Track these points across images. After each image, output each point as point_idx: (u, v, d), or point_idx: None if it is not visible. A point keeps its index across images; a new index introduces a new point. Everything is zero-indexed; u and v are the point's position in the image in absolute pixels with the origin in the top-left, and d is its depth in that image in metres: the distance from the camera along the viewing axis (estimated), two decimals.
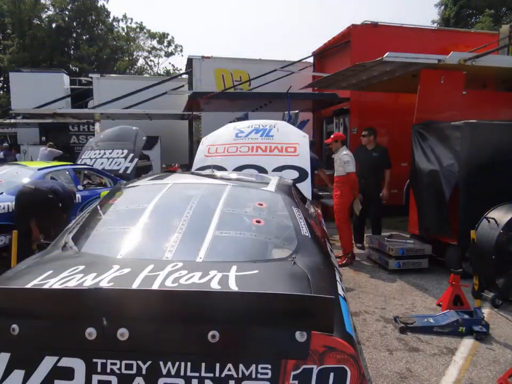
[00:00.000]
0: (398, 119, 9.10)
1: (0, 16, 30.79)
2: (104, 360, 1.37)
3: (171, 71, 39.18)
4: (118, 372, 1.36)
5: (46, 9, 33.59)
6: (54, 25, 33.07)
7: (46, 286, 1.63)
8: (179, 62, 64.87)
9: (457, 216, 5.27)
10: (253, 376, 1.35)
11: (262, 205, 2.66)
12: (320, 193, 8.44)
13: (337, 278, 2.12)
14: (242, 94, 10.98)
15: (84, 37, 34.99)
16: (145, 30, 40.08)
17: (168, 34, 40.33)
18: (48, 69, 21.89)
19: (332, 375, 1.36)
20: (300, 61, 11.33)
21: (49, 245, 2.39)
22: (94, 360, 1.37)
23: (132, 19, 39.25)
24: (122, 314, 1.37)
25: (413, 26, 9.92)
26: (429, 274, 5.57)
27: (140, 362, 1.36)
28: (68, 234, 2.39)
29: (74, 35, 35.14)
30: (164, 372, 1.36)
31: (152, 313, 1.37)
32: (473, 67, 5.98)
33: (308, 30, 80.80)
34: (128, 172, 8.23)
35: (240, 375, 1.35)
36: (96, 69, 31.25)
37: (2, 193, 5.42)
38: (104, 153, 8.63)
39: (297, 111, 9.64)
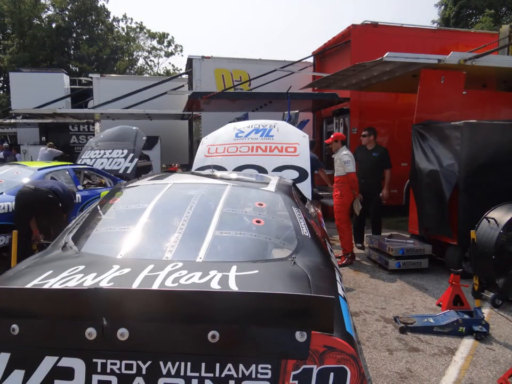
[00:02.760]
0: (398, 119, 9.12)
1: (0, 16, 30.79)
2: (104, 360, 1.36)
3: (171, 71, 39.26)
4: (118, 372, 1.36)
5: (46, 9, 33.63)
6: (54, 25, 33.09)
7: (46, 286, 1.63)
8: (179, 62, 65.08)
9: (457, 216, 5.27)
10: (253, 376, 1.35)
11: (262, 205, 2.66)
12: (320, 193, 8.46)
13: (337, 278, 2.12)
14: (242, 94, 10.96)
15: (84, 37, 35.01)
16: (145, 30, 40.21)
17: (168, 34, 40.54)
18: (48, 69, 21.89)
19: (331, 375, 1.36)
20: (299, 61, 11.34)
21: (49, 245, 2.38)
22: (94, 360, 1.37)
23: (131, 19, 39.46)
24: (122, 314, 1.37)
25: (413, 26, 9.91)
26: (429, 274, 5.57)
27: (140, 362, 1.36)
28: (68, 234, 2.38)
29: (74, 35, 35.18)
30: (164, 372, 1.36)
31: (152, 313, 1.37)
32: (473, 67, 5.97)
33: (307, 30, 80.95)
34: (128, 172, 8.24)
35: (240, 375, 1.35)
36: (96, 69, 31.32)
37: (2, 193, 5.41)
38: (104, 153, 8.65)
39: (297, 111, 9.64)
